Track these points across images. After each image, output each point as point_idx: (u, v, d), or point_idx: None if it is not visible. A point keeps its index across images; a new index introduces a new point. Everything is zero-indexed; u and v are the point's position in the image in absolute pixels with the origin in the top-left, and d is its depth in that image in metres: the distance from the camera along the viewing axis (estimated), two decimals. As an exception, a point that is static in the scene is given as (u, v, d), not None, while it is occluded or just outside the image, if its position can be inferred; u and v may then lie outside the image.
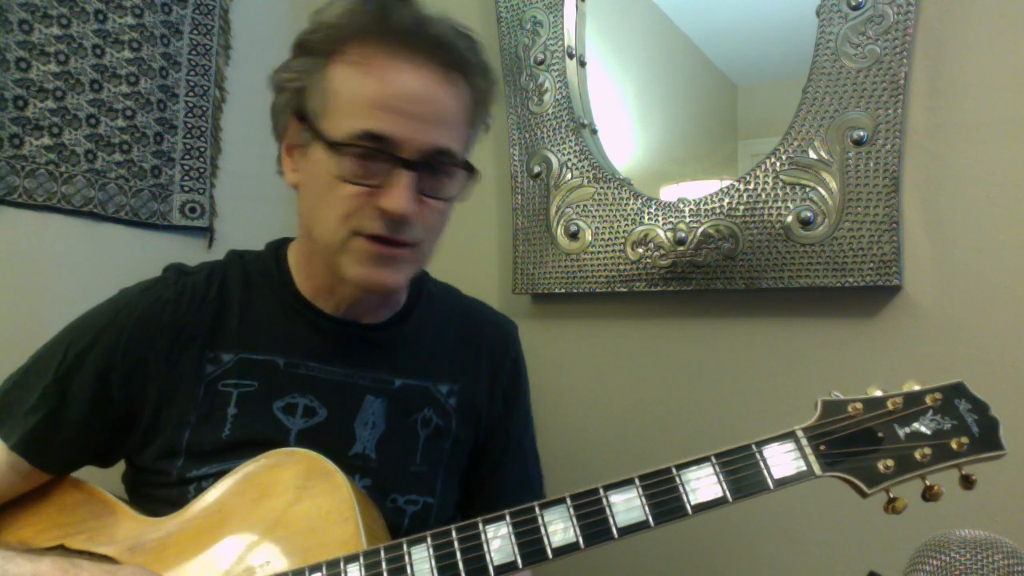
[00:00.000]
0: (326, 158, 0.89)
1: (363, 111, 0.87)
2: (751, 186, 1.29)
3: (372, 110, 0.86)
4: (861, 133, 1.20)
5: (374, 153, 0.87)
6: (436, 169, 0.91)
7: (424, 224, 0.92)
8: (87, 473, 1.01)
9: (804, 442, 0.77)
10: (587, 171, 1.47)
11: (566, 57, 1.51)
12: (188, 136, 1.61)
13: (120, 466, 1.03)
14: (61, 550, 0.91)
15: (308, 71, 0.92)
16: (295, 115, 0.94)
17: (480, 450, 1.12)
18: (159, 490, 0.95)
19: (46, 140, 1.39)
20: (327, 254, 0.93)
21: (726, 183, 1.33)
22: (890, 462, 0.75)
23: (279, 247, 1.07)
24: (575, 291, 1.48)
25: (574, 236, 1.48)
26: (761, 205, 1.28)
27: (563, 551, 0.75)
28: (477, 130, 1.00)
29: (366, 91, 0.87)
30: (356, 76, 0.88)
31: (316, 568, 0.79)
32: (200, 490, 0.92)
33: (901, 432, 0.77)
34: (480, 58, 0.95)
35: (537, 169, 1.53)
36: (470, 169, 0.95)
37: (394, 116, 0.86)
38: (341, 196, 0.88)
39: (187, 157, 1.61)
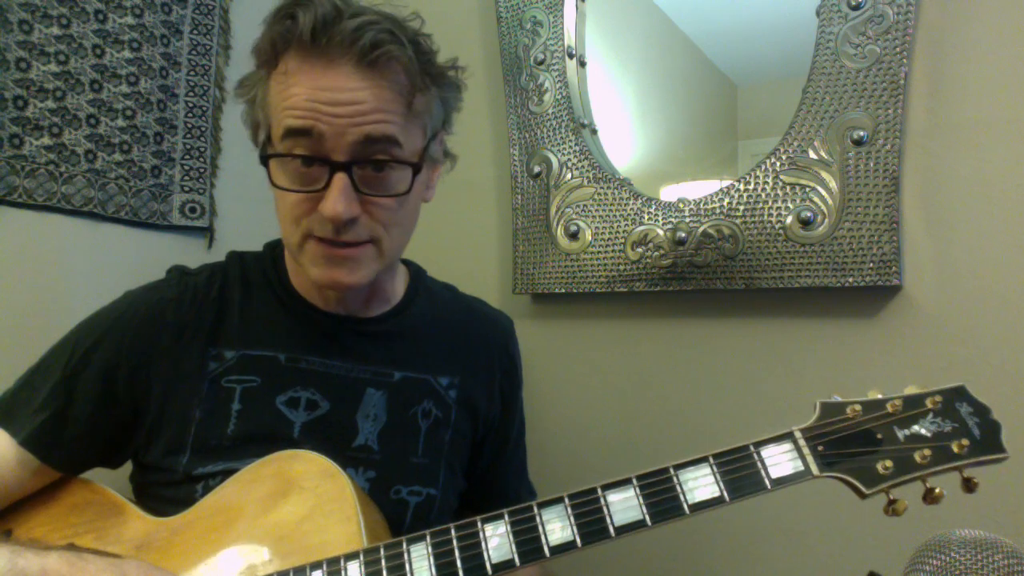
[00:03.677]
0: (272, 168, 0.91)
1: (289, 118, 0.88)
2: (751, 186, 1.29)
3: (297, 116, 0.87)
4: (861, 133, 1.20)
5: (308, 159, 0.88)
6: (377, 165, 0.90)
7: (375, 221, 0.92)
8: (96, 474, 1.02)
9: (802, 442, 0.77)
10: (587, 171, 1.47)
11: (566, 57, 1.51)
12: (188, 136, 1.61)
13: (127, 468, 1.04)
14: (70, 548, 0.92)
15: (255, 83, 0.94)
16: (254, 125, 0.96)
17: (480, 444, 1.14)
18: (166, 489, 0.96)
19: (46, 140, 1.39)
20: (293, 256, 0.97)
21: (726, 183, 1.33)
22: (889, 463, 0.75)
23: (275, 247, 1.09)
24: (575, 291, 1.48)
25: (574, 236, 1.48)
26: (761, 205, 1.28)
27: (560, 549, 0.75)
28: (433, 116, 0.96)
29: (290, 101, 0.88)
30: (282, 87, 0.89)
31: (317, 566, 0.80)
32: (208, 488, 0.93)
33: (900, 434, 0.76)
34: (403, 41, 0.89)
35: (537, 169, 1.53)
36: (412, 164, 0.92)
37: (319, 118, 0.86)
38: (289, 203, 0.91)
39: (187, 157, 1.61)
